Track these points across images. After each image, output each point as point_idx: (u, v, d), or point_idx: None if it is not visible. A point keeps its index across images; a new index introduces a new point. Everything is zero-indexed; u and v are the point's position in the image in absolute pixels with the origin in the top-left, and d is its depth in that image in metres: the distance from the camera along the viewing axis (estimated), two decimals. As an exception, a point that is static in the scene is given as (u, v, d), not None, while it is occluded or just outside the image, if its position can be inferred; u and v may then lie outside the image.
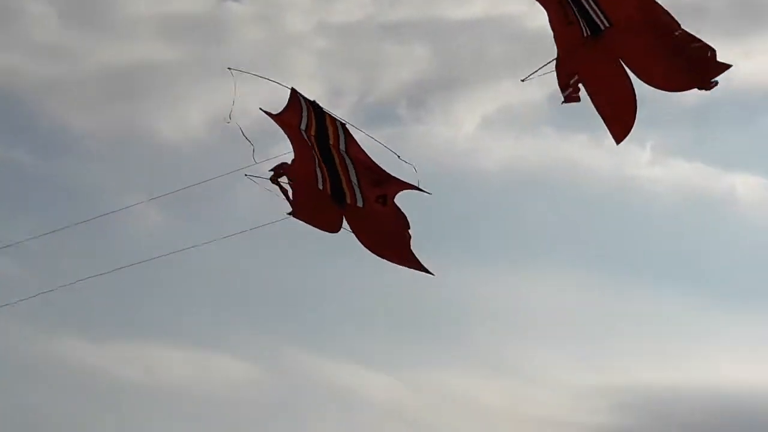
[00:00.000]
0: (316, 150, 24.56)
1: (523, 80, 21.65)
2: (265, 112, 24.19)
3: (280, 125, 24.44)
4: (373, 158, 24.26)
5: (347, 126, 24.03)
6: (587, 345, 44.75)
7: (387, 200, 24.10)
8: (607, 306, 46.09)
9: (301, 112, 24.16)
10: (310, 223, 24.96)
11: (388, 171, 24.03)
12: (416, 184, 23.53)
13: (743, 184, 50.32)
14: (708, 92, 20.34)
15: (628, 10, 20.85)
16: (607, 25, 21.00)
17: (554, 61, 21.38)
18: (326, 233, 24.69)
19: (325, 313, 45.31)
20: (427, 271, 24.09)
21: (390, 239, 24.33)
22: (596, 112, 21.21)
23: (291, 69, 44.53)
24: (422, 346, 44.80)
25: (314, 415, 42.88)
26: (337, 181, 24.51)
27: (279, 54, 44.74)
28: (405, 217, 24.17)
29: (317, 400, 43.25)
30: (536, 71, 21.39)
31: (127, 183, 45.33)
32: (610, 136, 21.30)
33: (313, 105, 24.12)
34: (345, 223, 24.69)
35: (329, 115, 24.03)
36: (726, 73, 20.07)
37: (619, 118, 21.30)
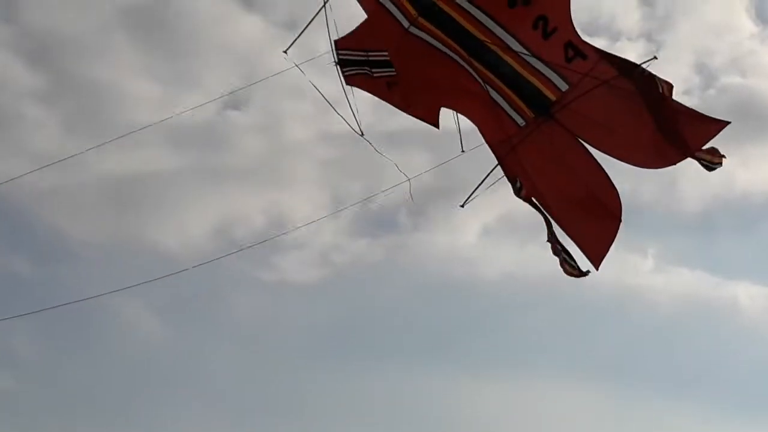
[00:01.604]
0: (446, 39, 15.70)
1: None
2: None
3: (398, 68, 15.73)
4: None
5: None
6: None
7: (578, 47, 14.96)
8: (608, 417, 45.56)
9: (385, 9, 15.65)
10: (612, 241, 15.99)
11: None
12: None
13: (746, 293, 50.03)
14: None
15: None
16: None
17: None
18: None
19: (316, 420, 44.63)
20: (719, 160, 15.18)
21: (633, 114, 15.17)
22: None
23: (292, 177, 44.39)
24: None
25: None
26: (514, 76, 15.32)
27: (280, 162, 44.65)
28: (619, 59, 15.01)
29: None
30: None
31: (124, 291, 44.83)
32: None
33: None
34: None
35: None
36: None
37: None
